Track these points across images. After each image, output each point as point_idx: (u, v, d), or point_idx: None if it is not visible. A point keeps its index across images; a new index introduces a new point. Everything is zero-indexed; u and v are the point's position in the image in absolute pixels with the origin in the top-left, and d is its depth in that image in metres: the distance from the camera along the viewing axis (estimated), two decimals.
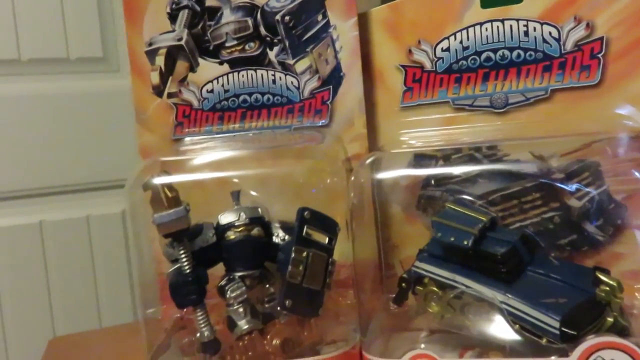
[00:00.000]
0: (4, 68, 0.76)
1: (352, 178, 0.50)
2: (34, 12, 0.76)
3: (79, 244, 0.80)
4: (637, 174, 0.47)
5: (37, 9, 0.76)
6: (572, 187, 0.50)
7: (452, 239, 0.46)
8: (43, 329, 0.78)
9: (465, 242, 0.45)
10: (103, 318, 0.82)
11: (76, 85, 0.78)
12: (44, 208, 0.79)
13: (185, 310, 0.50)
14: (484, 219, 0.46)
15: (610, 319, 0.42)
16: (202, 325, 0.46)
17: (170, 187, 0.44)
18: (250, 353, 0.45)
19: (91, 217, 0.80)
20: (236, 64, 0.58)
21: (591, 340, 0.39)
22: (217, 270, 0.49)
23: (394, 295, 0.51)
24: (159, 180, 0.45)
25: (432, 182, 0.54)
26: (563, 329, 0.40)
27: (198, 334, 0.47)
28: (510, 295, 0.43)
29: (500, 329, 0.44)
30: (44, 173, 0.78)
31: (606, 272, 0.45)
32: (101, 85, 0.78)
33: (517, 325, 0.43)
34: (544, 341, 0.41)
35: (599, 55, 0.50)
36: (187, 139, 0.58)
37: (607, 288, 0.43)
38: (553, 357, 0.40)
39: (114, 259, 0.81)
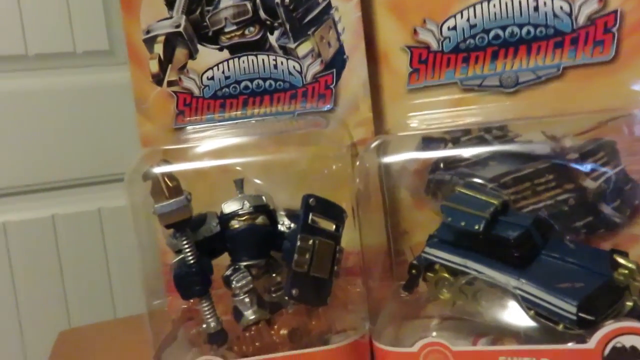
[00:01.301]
0: (12, 64, 0.76)
1: (358, 163, 0.48)
2: (40, 7, 0.76)
3: (91, 236, 0.80)
4: None
5: (43, 4, 0.76)
6: (587, 167, 0.48)
7: (463, 223, 0.44)
8: (59, 321, 0.78)
9: (477, 227, 0.43)
10: (117, 309, 0.82)
11: (84, 79, 0.78)
12: (56, 202, 0.79)
13: (191, 300, 0.50)
14: (495, 202, 0.45)
15: (629, 303, 0.40)
16: (208, 316, 0.46)
17: (170, 176, 0.43)
18: (257, 343, 0.44)
19: (103, 210, 0.81)
20: (236, 50, 0.56)
21: (610, 326, 0.37)
22: (224, 260, 0.48)
23: (404, 283, 0.49)
24: (158, 169, 0.44)
25: (441, 165, 0.53)
26: (580, 314, 0.39)
27: (204, 325, 0.46)
28: (524, 281, 0.42)
29: (514, 315, 0.43)
30: (55, 167, 0.78)
31: (624, 254, 0.43)
32: (109, 78, 0.78)
33: (532, 311, 0.41)
34: (560, 327, 0.40)
35: (613, 30, 0.48)
36: (189, 127, 0.57)
37: (626, 271, 0.41)
38: (570, 344, 0.38)
39: (127, 251, 0.81)
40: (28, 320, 0.77)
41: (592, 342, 0.37)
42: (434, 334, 0.44)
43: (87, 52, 0.78)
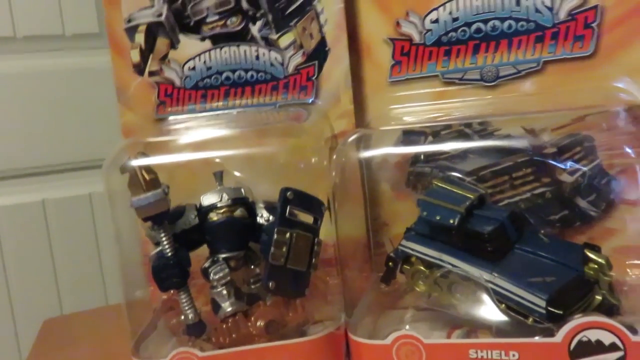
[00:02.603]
0: (0, 46, 0.75)
1: (334, 157, 0.48)
2: None
3: (82, 221, 0.80)
4: (627, 149, 0.45)
5: None
6: (564, 162, 0.49)
7: (438, 217, 0.45)
8: (50, 307, 0.79)
9: (451, 221, 0.44)
10: (109, 295, 0.83)
11: (73, 62, 0.78)
12: (47, 186, 0.79)
13: (172, 291, 0.50)
14: (471, 196, 0.45)
15: (598, 297, 0.41)
16: (186, 307, 0.46)
17: (148, 169, 0.44)
18: (234, 335, 0.45)
19: (94, 195, 0.81)
20: (218, 40, 0.56)
21: (576, 320, 0.38)
22: (205, 251, 0.48)
23: (381, 275, 0.50)
24: (136, 162, 0.44)
25: (422, 158, 0.53)
26: (549, 308, 0.40)
27: (182, 317, 0.46)
28: (496, 274, 0.42)
29: (487, 308, 0.43)
30: (46, 151, 0.78)
31: (596, 248, 0.44)
32: (98, 61, 0.77)
33: (503, 305, 0.42)
34: (530, 321, 0.40)
35: (593, 25, 0.48)
36: (170, 118, 0.57)
37: (596, 266, 0.42)
38: (537, 337, 0.39)
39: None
40: (19, 305, 0.78)
41: (559, 336, 0.38)
42: (407, 326, 0.45)
43: (76, 34, 0.78)
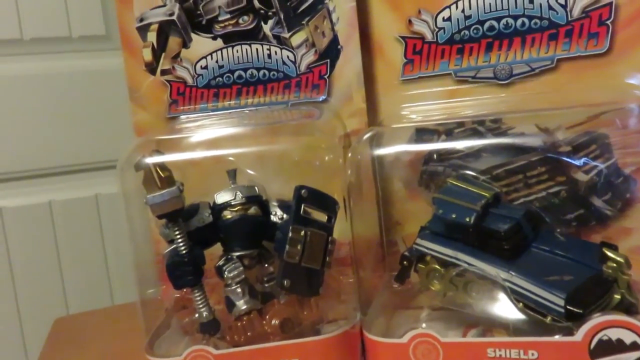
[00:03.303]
0: (7, 48, 0.75)
1: (349, 155, 0.48)
2: None
3: (88, 222, 0.80)
4: None
5: None
6: (579, 160, 0.48)
7: (454, 215, 0.44)
8: (56, 307, 0.79)
9: (467, 219, 0.44)
10: (115, 295, 0.83)
11: (80, 64, 0.78)
12: (53, 188, 0.79)
13: (184, 290, 0.50)
14: (486, 194, 0.45)
15: (617, 296, 0.41)
16: (201, 305, 0.46)
17: (162, 166, 0.43)
18: (249, 333, 0.45)
19: (100, 196, 0.81)
20: (230, 39, 0.56)
21: (597, 319, 0.38)
22: (218, 250, 0.48)
23: (395, 274, 0.50)
24: (151, 159, 0.44)
25: (435, 157, 0.53)
26: (568, 307, 0.39)
27: (197, 315, 0.46)
28: (513, 273, 0.42)
29: (503, 307, 0.43)
30: (52, 153, 0.78)
31: (614, 247, 0.43)
32: (105, 64, 0.77)
33: (521, 304, 0.42)
34: (548, 320, 0.40)
35: (608, 22, 0.48)
36: (182, 116, 0.57)
37: (614, 264, 0.41)
38: (557, 336, 0.39)
39: (124, 237, 0.81)
40: (26, 306, 0.78)
41: (579, 335, 0.38)
42: (424, 325, 0.45)
43: (83, 36, 0.78)
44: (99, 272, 0.81)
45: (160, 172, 0.43)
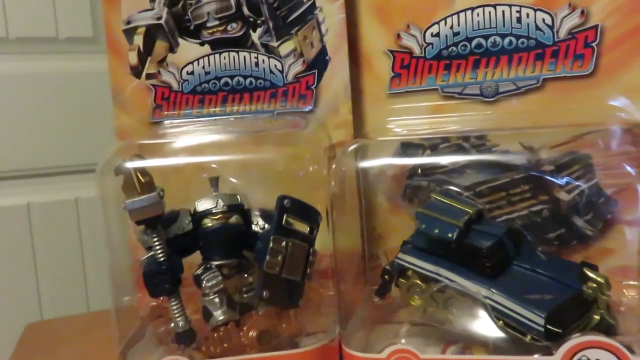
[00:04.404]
0: None
1: (333, 166, 0.48)
2: None
3: (67, 226, 0.79)
4: (628, 167, 0.45)
5: None
6: (562, 180, 0.48)
7: (437, 231, 0.44)
8: (30, 312, 0.77)
9: (450, 235, 0.43)
10: (91, 302, 0.81)
11: (65, 65, 0.77)
12: (32, 190, 0.78)
13: (161, 298, 0.49)
14: (470, 211, 0.45)
15: (596, 317, 0.41)
16: (177, 315, 0.45)
17: (143, 171, 0.43)
18: (225, 344, 0.44)
19: (80, 200, 0.79)
20: (218, 45, 0.56)
21: (576, 339, 0.37)
22: (197, 258, 0.47)
23: (376, 288, 0.49)
24: (131, 164, 0.43)
25: (419, 171, 0.53)
26: (548, 326, 0.39)
27: (172, 324, 0.45)
28: (494, 290, 0.42)
29: (484, 324, 0.43)
30: (33, 154, 0.77)
31: (594, 268, 0.43)
32: (90, 66, 0.76)
33: (501, 322, 0.41)
34: (527, 338, 0.40)
35: (593, 44, 0.48)
36: (166, 122, 0.56)
37: (594, 285, 0.41)
38: (536, 355, 0.38)
39: (103, 242, 0.80)
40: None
41: (558, 355, 0.38)
42: (403, 340, 0.44)
43: (69, 38, 0.77)
44: (76, 278, 0.80)
45: (141, 177, 0.42)
